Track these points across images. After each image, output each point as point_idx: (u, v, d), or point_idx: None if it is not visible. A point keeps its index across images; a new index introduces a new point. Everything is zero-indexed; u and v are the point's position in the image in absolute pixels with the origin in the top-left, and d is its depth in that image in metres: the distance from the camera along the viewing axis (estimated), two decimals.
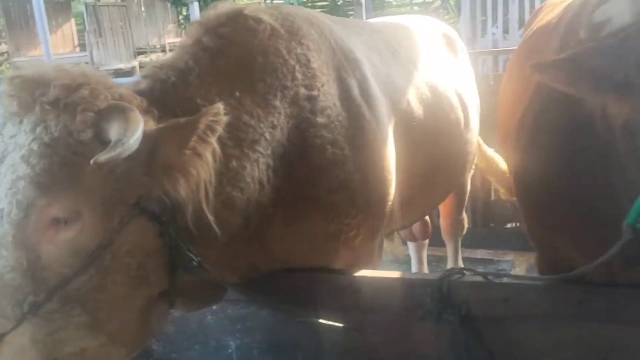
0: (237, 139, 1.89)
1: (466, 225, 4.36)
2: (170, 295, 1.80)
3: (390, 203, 2.44)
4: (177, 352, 2.43)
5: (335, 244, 2.27)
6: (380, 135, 2.33)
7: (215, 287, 2.02)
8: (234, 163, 1.86)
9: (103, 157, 1.44)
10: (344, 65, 2.32)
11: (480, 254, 5.04)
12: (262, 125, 1.95)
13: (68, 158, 1.52)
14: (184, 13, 17.46)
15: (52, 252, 1.52)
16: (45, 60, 5.96)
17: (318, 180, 2.11)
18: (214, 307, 2.33)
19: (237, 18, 2.08)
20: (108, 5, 17.52)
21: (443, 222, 4.31)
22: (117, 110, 1.57)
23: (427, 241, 4.37)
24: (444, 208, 4.17)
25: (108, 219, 1.57)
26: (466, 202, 4.17)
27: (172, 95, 1.85)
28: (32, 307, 1.49)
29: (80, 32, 21.13)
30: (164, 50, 19.17)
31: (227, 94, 1.91)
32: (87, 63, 16.34)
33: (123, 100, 1.65)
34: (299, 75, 2.09)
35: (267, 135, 1.96)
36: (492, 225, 5.31)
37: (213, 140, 1.67)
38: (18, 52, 19.52)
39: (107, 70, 16.36)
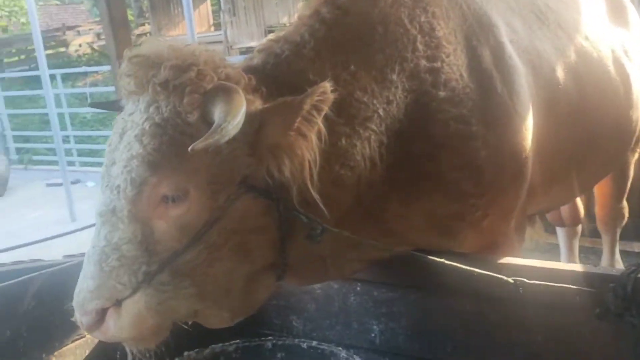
0: (348, 116, 1.82)
1: (627, 215, 3.92)
2: (279, 268, 1.81)
3: (525, 182, 2.23)
4: (317, 330, 2.36)
5: (459, 224, 2.13)
6: (514, 108, 2.13)
7: (331, 263, 1.97)
8: (344, 141, 1.80)
9: (200, 144, 1.45)
10: (476, 33, 2.14)
11: (638, 247, 4.56)
12: (375, 101, 1.87)
13: (177, 138, 1.56)
14: None
15: (162, 228, 1.59)
16: (189, 39, 6.14)
17: (439, 157, 1.99)
18: (358, 288, 2.23)
19: None
20: None
21: (599, 210, 3.89)
22: (222, 92, 1.57)
23: (579, 228, 3.99)
24: (600, 194, 3.78)
25: (214, 198, 1.60)
26: (628, 189, 3.75)
27: (284, 70, 1.82)
28: (145, 277, 1.58)
29: (215, 12, 21.97)
30: None
31: (340, 68, 1.85)
32: (221, 42, 16.98)
33: (229, 81, 1.64)
34: (420, 46, 1.98)
35: (380, 111, 1.87)
36: None
37: (319, 120, 1.63)
38: (160, 32, 20.61)
39: (240, 48, 16.92)
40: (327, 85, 1.61)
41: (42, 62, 7.65)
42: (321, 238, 1.74)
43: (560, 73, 2.48)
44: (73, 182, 9.23)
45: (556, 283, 1.80)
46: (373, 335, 2.23)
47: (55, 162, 11.18)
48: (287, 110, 1.62)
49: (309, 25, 1.91)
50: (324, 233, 1.74)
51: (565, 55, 2.58)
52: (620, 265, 4.02)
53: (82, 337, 2.20)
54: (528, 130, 2.20)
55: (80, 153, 11.37)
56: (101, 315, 1.59)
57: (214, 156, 1.58)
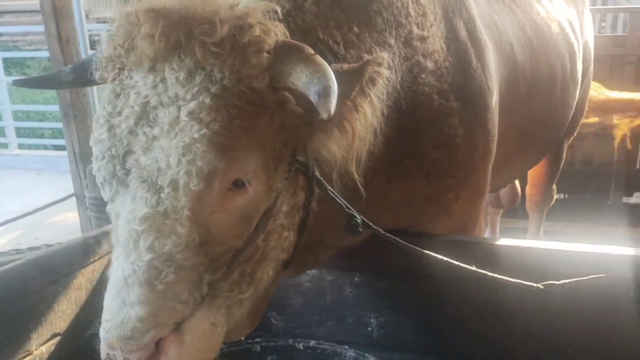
0: None
1: (555, 196, 4.07)
2: (289, 259, 1.59)
3: (492, 161, 2.19)
4: (303, 327, 2.12)
5: (432, 207, 2.03)
6: (487, 84, 2.08)
7: (311, 251, 1.79)
8: None
9: (332, 107, 1.23)
10: (451, 3, 2.07)
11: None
12: None
13: (243, 110, 1.29)
14: None
15: (223, 222, 1.31)
16: None
17: (424, 135, 1.89)
18: (356, 279, 2.03)
19: None
20: None
21: (531, 191, 3.99)
22: (293, 50, 1.34)
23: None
24: (534, 175, 3.86)
25: (273, 177, 1.38)
26: (559, 171, 3.88)
27: (291, 28, 1.59)
28: (210, 288, 1.31)
29: None
30: None
31: (346, 28, 1.70)
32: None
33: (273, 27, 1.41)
34: (412, 12, 1.88)
35: None
36: None
37: (372, 93, 1.45)
38: None
39: (97, 18, 15.55)
40: (385, 57, 1.42)
41: None
42: (363, 231, 1.58)
43: (517, 49, 2.46)
44: None
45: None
46: (370, 329, 2.05)
47: None
48: (346, 78, 1.38)
49: None
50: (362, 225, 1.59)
51: (521, 31, 2.56)
52: None
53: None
54: (496, 107, 2.16)
55: None
56: (155, 348, 1.27)
57: (279, 128, 1.35)
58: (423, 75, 1.86)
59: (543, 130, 2.94)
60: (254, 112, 1.29)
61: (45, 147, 8.78)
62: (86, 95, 3.10)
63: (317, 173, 1.51)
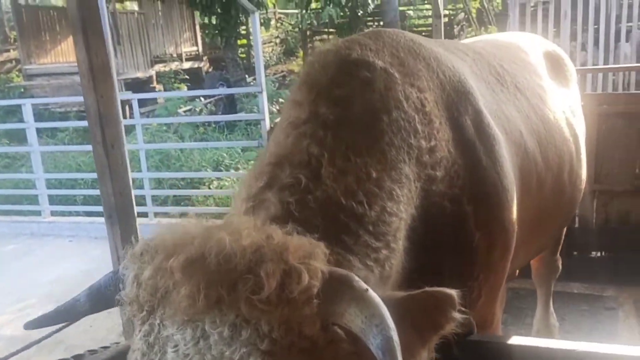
0: (382, 235, 1.55)
1: (560, 267, 3.89)
2: None
3: (511, 257, 2.12)
4: None
5: None
6: (500, 181, 2.00)
7: None
8: (387, 268, 1.53)
9: None
10: (455, 102, 1.99)
11: (575, 288, 4.67)
12: (402, 207, 1.64)
13: None
14: (205, 21, 17.16)
15: None
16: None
17: (438, 245, 1.77)
18: None
19: (348, 70, 1.78)
20: (126, 13, 17.21)
21: (535, 263, 3.80)
22: (344, 286, 1.20)
23: None
24: None
25: None
26: (562, 241, 3.72)
27: (315, 209, 1.48)
28: None
29: None
30: (180, 59, 18.85)
31: (365, 179, 1.58)
32: None
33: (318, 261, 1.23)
34: (419, 127, 1.79)
35: (404, 215, 1.64)
36: (575, 254, 4.97)
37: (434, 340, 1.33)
38: (29, 60, 19.17)
39: (125, 79, 16.07)
40: (456, 296, 1.29)
41: None
42: None
43: (527, 138, 2.39)
44: None
45: None
46: None
47: None
48: (418, 337, 1.28)
49: (311, 135, 1.61)
50: None
51: (528, 119, 2.49)
52: (554, 318, 4.02)
53: None
54: (514, 203, 2.07)
55: None
56: None
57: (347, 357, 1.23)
58: (434, 187, 1.78)
59: (551, 218, 2.86)
60: (307, 356, 1.17)
61: (77, 214, 8.92)
62: (128, 196, 3.13)
63: None
